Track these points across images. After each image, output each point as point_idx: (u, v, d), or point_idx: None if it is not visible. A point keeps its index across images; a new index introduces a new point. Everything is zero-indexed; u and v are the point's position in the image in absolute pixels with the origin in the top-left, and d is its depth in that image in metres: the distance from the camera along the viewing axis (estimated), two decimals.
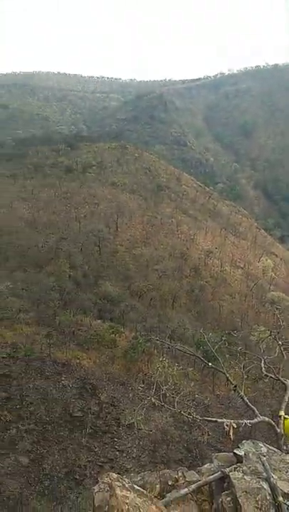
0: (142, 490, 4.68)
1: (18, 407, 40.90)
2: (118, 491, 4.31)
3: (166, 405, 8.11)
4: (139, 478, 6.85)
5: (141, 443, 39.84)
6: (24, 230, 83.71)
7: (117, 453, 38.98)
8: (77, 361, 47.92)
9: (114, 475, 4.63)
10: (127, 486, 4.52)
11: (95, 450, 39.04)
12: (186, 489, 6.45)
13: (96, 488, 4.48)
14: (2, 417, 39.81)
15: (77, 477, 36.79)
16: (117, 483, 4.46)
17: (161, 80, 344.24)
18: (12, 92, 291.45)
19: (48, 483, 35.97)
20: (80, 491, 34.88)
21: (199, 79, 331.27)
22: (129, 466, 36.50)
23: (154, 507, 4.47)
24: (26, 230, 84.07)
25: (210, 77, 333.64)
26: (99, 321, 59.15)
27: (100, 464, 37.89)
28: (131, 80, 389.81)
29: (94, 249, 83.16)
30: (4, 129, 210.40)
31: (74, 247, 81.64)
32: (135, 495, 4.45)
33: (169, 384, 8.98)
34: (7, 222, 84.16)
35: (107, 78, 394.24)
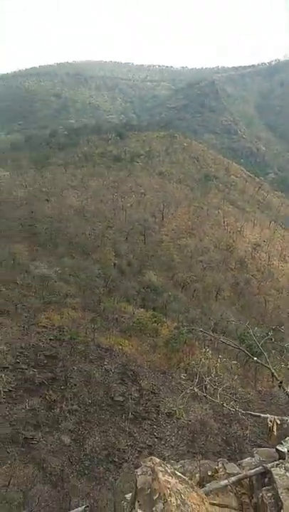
0: (183, 477, 4.75)
1: (62, 387, 42.54)
2: (160, 476, 4.40)
3: (208, 396, 8.10)
4: (179, 465, 6.94)
5: (180, 432, 40.16)
6: (73, 218, 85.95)
7: (156, 440, 39.57)
8: (120, 347, 48.90)
9: (157, 460, 4.72)
10: (169, 471, 4.60)
11: (135, 435, 39.86)
12: (226, 481, 6.45)
13: (139, 471, 4.59)
14: (47, 397, 41.64)
15: (116, 460, 37.81)
16: (159, 467, 4.55)
17: (214, 68, 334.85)
18: (65, 81, 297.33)
19: (88, 464, 37.29)
20: (118, 474, 35.86)
21: (253, 65, 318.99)
22: (167, 454, 36.93)
23: (194, 494, 4.51)
24: (75, 218, 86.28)
25: (265, 63, 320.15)
26: (142, 309, 59.85)
27: (139, 449, 38.67)
28: (182, 67, 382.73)
29: (139, 239, 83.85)
30: (57, 118, 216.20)
31: (120, 235, 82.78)
32: (177, 481, 4.51)
33: (212, 375, 8.95)
34: (57, 210, 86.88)
35: (158, 66, 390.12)
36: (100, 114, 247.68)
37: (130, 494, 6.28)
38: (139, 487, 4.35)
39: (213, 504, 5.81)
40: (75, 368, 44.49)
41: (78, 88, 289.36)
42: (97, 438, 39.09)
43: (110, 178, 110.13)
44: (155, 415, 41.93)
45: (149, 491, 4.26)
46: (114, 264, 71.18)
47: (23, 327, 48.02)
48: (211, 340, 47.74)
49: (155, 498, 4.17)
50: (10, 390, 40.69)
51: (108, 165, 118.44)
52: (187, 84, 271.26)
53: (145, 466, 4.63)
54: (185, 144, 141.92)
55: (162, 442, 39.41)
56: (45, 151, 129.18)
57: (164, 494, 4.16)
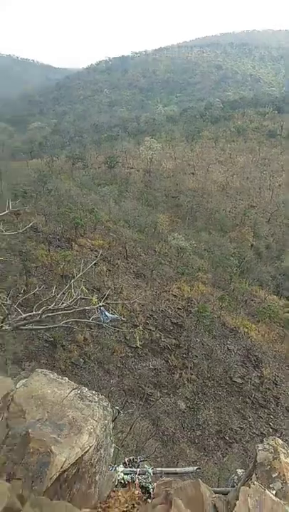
0: None
1: (184, 356, 44.18)
2: (282, 457, 4.31)
3: None
4: None
5: None
6: (215, 193, 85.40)
7: (270, 430, 38.32)
8: (245, 330, 47.93)
9: (280, 441, 4.63)
10: None
11: (249, 420, 39.32)
12: None
13: (260, 446, 4.57)
14: (169, 361, 43.88)
15: (227, 438, 38.05)
16: (282, 449, 4.45)
17: None
18: (228, 52, 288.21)
19: (199, 433, 38.43)
20: (227, 452, 36.13)
21: None
22: None
23: None
24: (217, 193, 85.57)
25: None
26: (274, 296, 57.05)
27: (251, 434, 38.11)
28: None
29: (283, 222, 78.78)
30: (215, 90, 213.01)
31: (261, 216, 79.19)
32: None
33: None
34: (201, 185, 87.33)
35: None
36: (259, 86, 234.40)
37: (241, 470, 6.32)
38: (258, 461, 4.35)
39: None
40: (198, 341, 45.50)
41: (241, 59, 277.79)
42: (210, 412, 39.84)
43: (261, 154, 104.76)
44: (274, 406, 40.46)
45: (268, 468, 4.23)
46: (252, 245, 68.83)
47: (156, 292, 50.83)
48: None
49: (274, 476, 4.12)
50: (137, 347, 44.16)
51: (260, 140, 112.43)
52: None
53: (267, 443, 4.58)
54: None
55: (277, 435, 37.92)
56: (198, 124, 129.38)
57: (284, 475, 4.08)
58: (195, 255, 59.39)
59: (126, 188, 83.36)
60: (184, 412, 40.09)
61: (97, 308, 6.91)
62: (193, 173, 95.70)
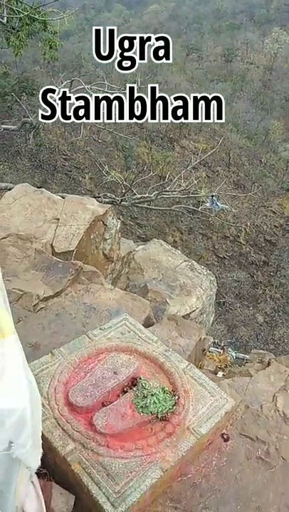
0: None
1: (271, 274, 43.60)
2: None
3: None
4: None
5: None
6: None
7: None
8: None
9: None
10: None
11: None
12: None
13: None
14: (255, 276, 43.82)
15: None
16: None
17: None
18: None
19: (272, 347, 39.09)
20: None
21: None
22: None
23: None
24: None
25: None
26: None
27: None
28: None
29: None
30: None
31: None
32: None
33: None
34: None
35: None
36: None
37: None
38: None
39: None
40: None
41: None
42: (288, 330, 40.16)
43: None
44: None
45: None
46: None
47: (253, 206, 48.88)
48: None
49: None
50: (224, 257, 44.49)
51: None
52: None
53: None
54: None
55: None
56: None
57: None
58: None
59: (241, 87, 75.76)
60: (260, 325, 40.96)
61: (210, 196, 7.07)
62: None
